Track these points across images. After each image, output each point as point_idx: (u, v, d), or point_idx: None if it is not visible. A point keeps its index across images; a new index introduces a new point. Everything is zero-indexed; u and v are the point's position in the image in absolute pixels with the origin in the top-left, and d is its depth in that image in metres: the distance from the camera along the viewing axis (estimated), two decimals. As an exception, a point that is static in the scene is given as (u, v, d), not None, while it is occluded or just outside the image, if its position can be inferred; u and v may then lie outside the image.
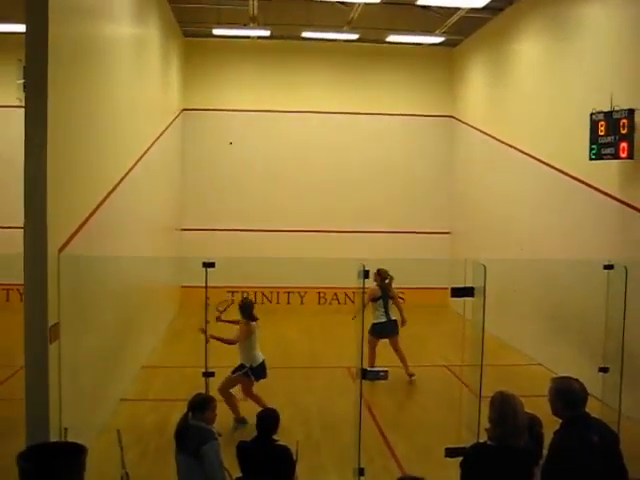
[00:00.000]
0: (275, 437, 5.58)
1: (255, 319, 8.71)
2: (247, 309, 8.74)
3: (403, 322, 10.87)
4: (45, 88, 6.33)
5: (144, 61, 11.73)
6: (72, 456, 5.74)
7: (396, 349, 10.81)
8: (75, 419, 6.88)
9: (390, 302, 10.93)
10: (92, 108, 8.24)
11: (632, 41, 9.33)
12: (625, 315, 7.16)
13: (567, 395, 4.44)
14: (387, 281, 10.93)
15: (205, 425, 5.55)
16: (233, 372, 8.58)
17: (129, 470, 6.25)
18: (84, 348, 7.63)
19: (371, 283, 10.36)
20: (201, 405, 5.61)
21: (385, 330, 10.77)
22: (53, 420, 6.50)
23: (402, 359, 10.74)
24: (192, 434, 5.45)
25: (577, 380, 4.54)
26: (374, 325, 10.69)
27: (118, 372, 9.48)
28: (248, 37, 16.32)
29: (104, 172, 8.83)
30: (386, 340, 10.82)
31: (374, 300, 10.74)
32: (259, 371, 8.67)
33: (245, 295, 15.92)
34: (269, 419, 5.58)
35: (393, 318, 10.87)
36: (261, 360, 8.70)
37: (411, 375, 10.68)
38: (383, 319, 10.80)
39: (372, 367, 9.76)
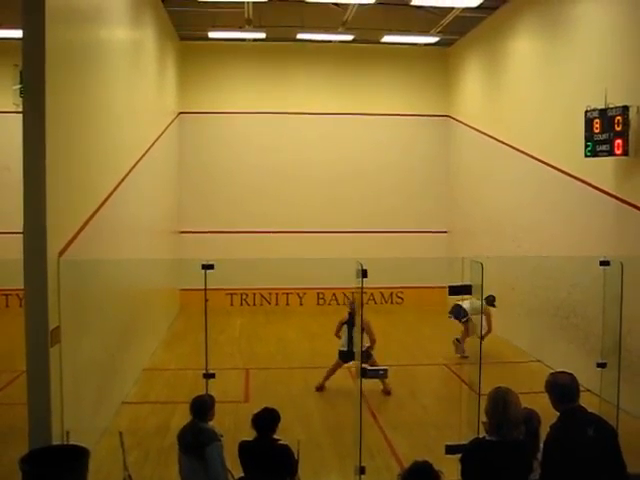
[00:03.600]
0: (276, 437, 5.60)
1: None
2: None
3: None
4: (42, 93, 6.36)
5: (140, 65, 11.77)
6: (75, 459, 5.77)
7: None
8: (77, 422, 6.92)
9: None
10: (89, 112, 8.28)
11: (625, 39, 9.38)
12: (622, 311, 7.20)
13: (557, 389, 4.52)
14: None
15: (208, 426, 5.62)
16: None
17: (132, 472, 6.29)
18: (85, 351, 7.66)
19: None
20: (205, 407, 5.68)
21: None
22: (55, 423, 6.53)
23: None
24: (195, 436, 5.50)
25: (569, 374, 4.60)
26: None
27: (119, 375, 9.51)
28: (244, 40, 16.35)
29: (102, 176, 8.87)
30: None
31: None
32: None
33: (245, 296, 16.09)
34: (265, 418, 5.58)
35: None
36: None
37: None
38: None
39: None
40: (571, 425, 4.43)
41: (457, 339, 11.83)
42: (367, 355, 9.53)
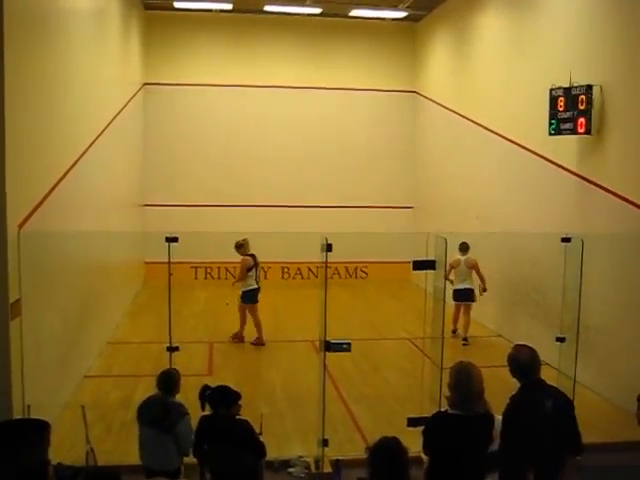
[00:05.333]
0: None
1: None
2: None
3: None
4: (1, 62, 6.20)
5: (103, 34, 11.52)
6: (35, 432, 5.71)
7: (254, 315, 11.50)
8: (38, 396, 6.85)
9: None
10: (50, 82, 8.09)
11: (590, 18, 9.45)
12: (581, 287, 7.34)
13: (516, 362, 4.63)
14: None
15: (176, 400, 5.67)
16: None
17: (94, 446, 6.28)
18: (47, 324, 7.58)
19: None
20: (173, 381, 5.71)
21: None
22: (16, 397, 6.47)
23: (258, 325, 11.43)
24: (165, 410, 5.54)
25: (529, 348, 4.70)
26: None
27: (82, 348, 9.43)
28: (210, 10, 16.11)
29: (64, 147, 8.70)
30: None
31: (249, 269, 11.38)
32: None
33: (209, 270, 16.05)
34: (222, 395, 5.56)
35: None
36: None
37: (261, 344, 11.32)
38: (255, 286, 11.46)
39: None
40: (531, 397, 4.53)
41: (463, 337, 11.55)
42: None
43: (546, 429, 4.41)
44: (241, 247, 11.36)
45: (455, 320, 11.68)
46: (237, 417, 5.49)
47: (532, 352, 4.66)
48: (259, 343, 11.28)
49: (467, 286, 11.45)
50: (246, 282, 11.30)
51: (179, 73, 16.56)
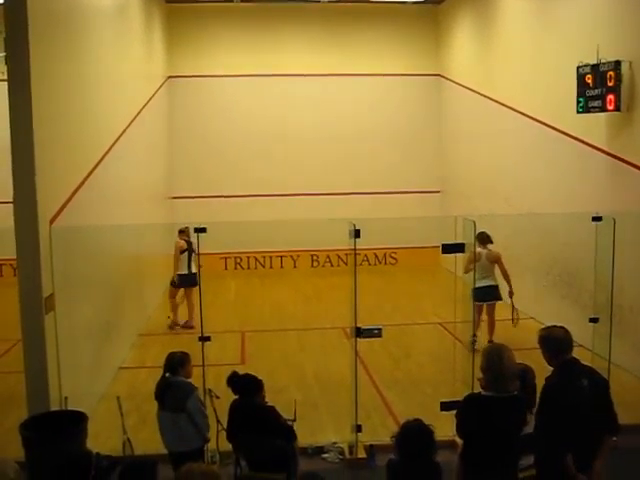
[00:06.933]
0: (268, 400, 5.64)
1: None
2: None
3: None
4: (27, 60, 6.29)
5: (126, 29, 11.59)
6: (73, 424, 5.83)
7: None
8: (75, 388, 6.98)
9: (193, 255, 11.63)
10: (76, 78, 8.17)
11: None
12: (614, 266, 7.23)
13: (549, 342, 4.59)
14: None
15: (184, 380, 5.82)
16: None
17: (130, 436, 6.38)
18: (80, 317, 7.70)
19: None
20: (180, 363, 5.88)
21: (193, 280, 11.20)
22: (53, 389, 6.60)
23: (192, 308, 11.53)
24: (174, 391, 5.70)
25: (561, 327, 4.66)
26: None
27: (115, 340, 9.56)
28: (231, 0, 16.10)
29: (91, 142, 8.80)
30: None
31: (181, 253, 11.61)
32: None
33: (239, 260, 16.15)
34: (245, 383, 5.64)
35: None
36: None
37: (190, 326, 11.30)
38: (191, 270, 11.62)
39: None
40: (567, 376, 4.50)
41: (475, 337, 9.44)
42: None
43: (583, 407, 4.38)
44: (183, 232, 11.62)
45: (477, 324, 9.55)
46: (262, 404, 5.55)
47: (564, 330, 4.63)
48: (189, 326, 11.37)
49: (490, 283, 9.94)
50: (178, 266, 11.60)
51: (203, 65, 16.61)
